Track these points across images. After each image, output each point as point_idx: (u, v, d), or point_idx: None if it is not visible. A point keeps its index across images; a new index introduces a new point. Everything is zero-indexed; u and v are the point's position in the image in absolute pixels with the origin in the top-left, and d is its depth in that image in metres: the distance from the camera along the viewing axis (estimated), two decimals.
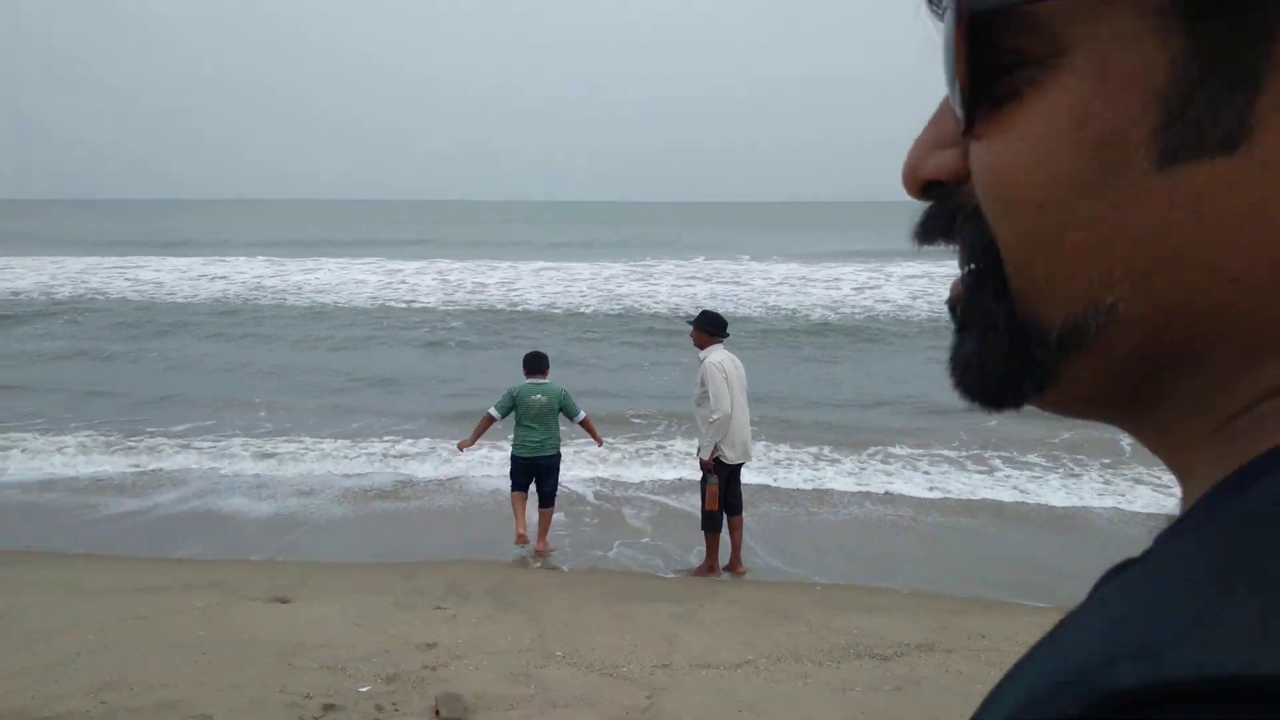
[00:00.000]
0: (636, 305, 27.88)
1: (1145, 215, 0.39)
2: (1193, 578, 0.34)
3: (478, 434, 8.81)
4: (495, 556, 8.78)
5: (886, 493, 10.68)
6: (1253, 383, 0.39)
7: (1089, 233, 0.41)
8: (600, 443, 9.26)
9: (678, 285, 32.34)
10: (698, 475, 8.08)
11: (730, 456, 7.97)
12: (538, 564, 8.56)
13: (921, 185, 0.48)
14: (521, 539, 8.72)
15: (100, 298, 29.05)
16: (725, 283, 33.42)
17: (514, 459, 8.78)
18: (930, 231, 0.50)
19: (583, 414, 9.00)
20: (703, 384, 7.83)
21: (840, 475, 11.28)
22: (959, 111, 0.43)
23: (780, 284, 32.45)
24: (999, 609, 7.36)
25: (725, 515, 8.14)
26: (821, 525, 9.83)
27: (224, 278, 34.35)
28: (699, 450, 8.00)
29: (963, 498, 10.53)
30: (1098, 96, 0.39)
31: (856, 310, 26.25)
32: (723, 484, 7.96)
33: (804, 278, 33.68)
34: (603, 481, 11.35)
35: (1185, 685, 0.30)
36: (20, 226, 76.46)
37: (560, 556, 8.77)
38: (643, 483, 11.22)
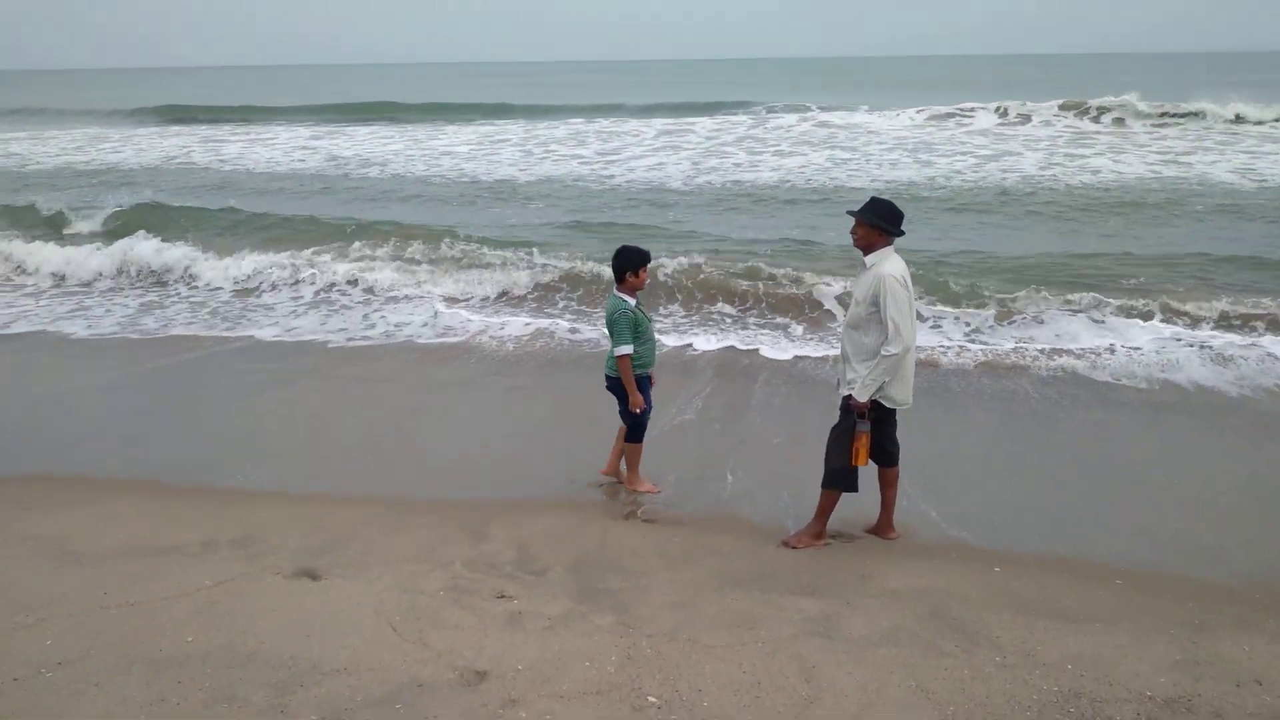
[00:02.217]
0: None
1: None
2: None
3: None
4: (590, 498, 6.86)
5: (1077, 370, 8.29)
6: None
7: None
8: (632, 402, 6.54)
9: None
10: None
11: (899, 398, 5.75)
12: (638, 512, 6.60)
13: None
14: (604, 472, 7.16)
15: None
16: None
17: None
18: None
19: (619, 350, 6.44)
20: (874, 302, 5.55)
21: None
22: None
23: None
24: (1257, 619, 5.10)
25: (876, 468, 5.99)
26: (985, 447, 7.60)
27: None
28: (849, 387, 5.77)
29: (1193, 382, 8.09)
30: None
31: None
32: (875, 429, 5.78)
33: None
34: (722, 367, 9.34)
35: None
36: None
37: (663, 496, 6.80)
38: (762, 360, 9.15)
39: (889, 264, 5.60)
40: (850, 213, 5.77)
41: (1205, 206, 18.83)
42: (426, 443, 8.04)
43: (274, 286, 13.66)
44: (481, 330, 11.42)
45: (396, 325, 11.81)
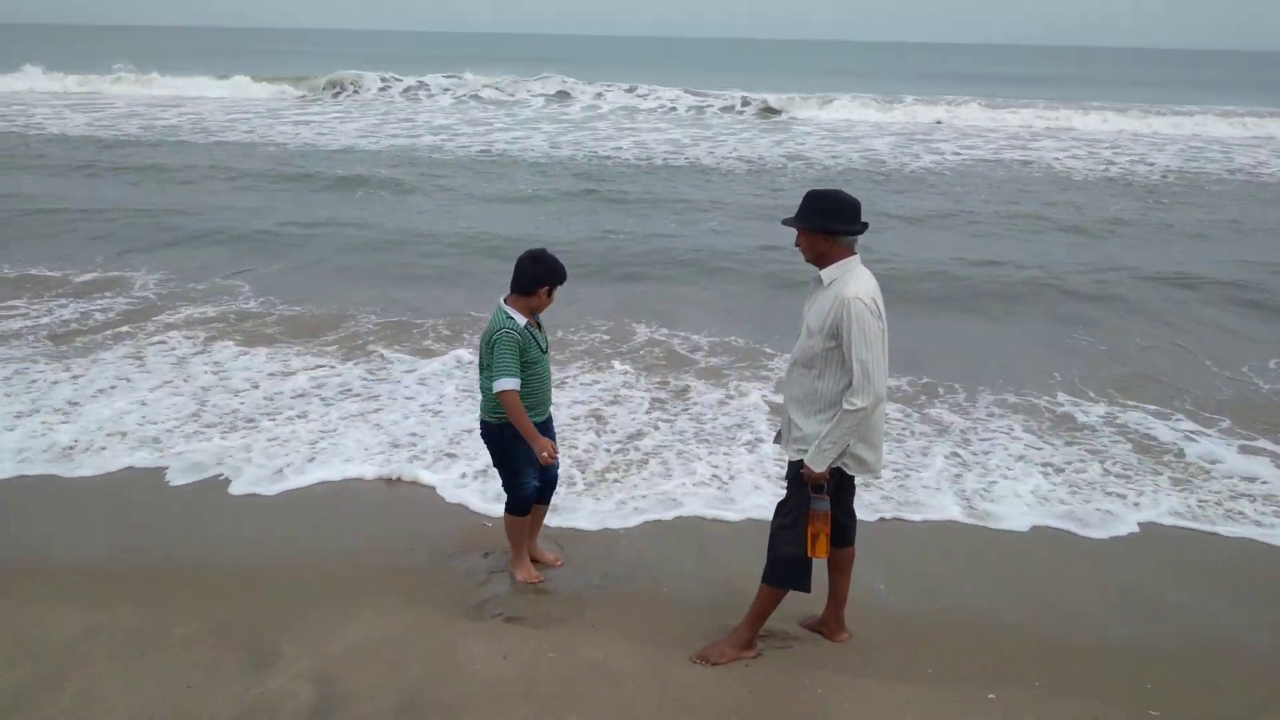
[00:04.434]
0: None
1: None
2: None
3: None
4: (431, 578, 4.89)
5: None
6: None
7: None
8: (537, 448, 4.52)
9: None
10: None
11: (871, 461, 3.99)
12: (495, 607, 4.65)
13: None
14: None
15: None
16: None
17: None
18: None
19: (501, 384, 4.43)
20: (834, 334, 3.78)
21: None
22: None
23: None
24: None
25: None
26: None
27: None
28: (798, 449, 3.98)
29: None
30: None
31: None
32: (833, 503, 4.00)
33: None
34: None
35: None
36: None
37: (524, 582, 4.91)
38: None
39: (855, 282, 3.79)
40: (786, 222, 3.94)
41: None
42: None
43: None
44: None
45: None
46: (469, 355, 8.16)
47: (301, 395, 7.30)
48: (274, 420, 6.82)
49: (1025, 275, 11.36)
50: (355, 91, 35.64)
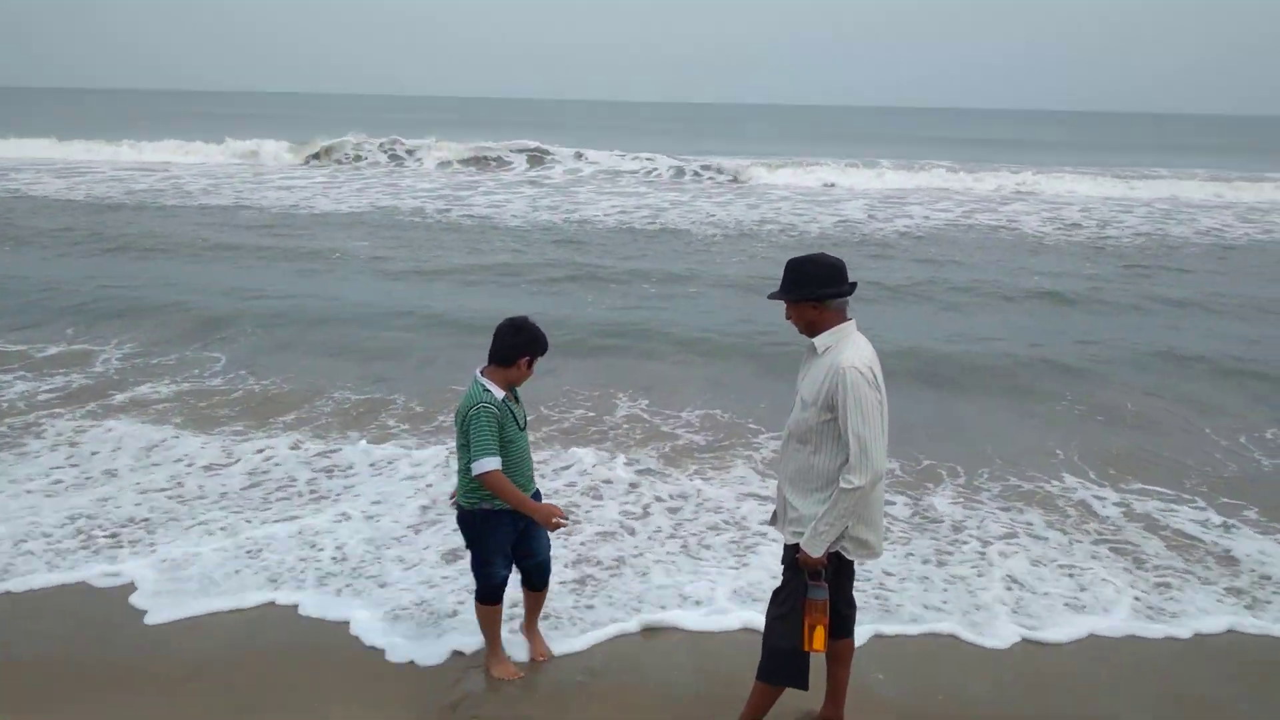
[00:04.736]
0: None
1: None
2: None
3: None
4: (413, 661, 4.61)
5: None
6: None
7: None
8: (543, 516, 4.32)
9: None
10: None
11: (871, 543, 3.78)
12: (467, 707, 4.38)
13: None
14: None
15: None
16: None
17: None
18: None
19: (481, 466, 4.21)
20: (830, 406, 3.61)
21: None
22: None
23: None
24: None
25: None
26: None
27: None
28: (794, 532, 3.78)
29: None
30: None
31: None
32: (831, 591, 3.81)
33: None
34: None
35: None
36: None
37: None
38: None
39: (851, 349, 3.63)
40: (772, 296, 3.82)
41: None
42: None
43: None
44: None
45: None
46: (431, 449, 7.63)
47: (228, 495, 6.69)
48: (189, 525, 6.20)
49: (1005, 347, 11.19)
50: (329, 150, 35.89)
